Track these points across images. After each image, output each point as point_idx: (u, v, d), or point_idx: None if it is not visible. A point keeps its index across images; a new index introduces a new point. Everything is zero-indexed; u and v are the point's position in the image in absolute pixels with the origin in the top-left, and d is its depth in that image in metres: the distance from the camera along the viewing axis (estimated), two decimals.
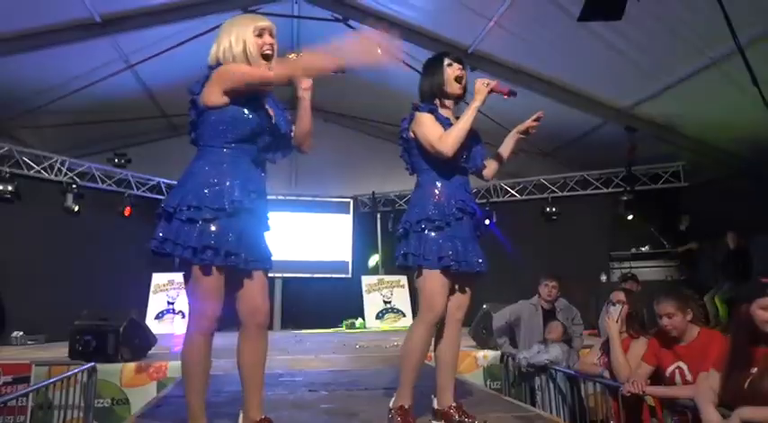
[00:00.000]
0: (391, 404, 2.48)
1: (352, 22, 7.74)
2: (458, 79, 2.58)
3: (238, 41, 2.19)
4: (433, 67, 2.64)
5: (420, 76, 2.71)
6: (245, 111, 2.13)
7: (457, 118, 2.57)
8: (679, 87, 6.90)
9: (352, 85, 8.61)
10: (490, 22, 6.71)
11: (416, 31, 7.50)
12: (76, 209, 8.42)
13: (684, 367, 2.92)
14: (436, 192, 2.50)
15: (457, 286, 2.52)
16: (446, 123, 2.51)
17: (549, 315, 4.85)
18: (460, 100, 2.66)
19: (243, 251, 2.09)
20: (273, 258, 2.28)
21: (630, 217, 8.77)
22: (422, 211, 2.48)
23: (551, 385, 4.22)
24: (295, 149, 2.40)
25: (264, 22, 2.26)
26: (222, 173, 2.11)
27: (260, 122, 2.18)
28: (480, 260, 2.51)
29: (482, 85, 2.49)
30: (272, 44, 2.24)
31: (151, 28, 7.27)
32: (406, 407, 2.43)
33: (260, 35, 2.22)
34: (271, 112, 2.27)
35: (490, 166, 2.74)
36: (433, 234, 2.43)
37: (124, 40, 7.40)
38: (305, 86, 2.30)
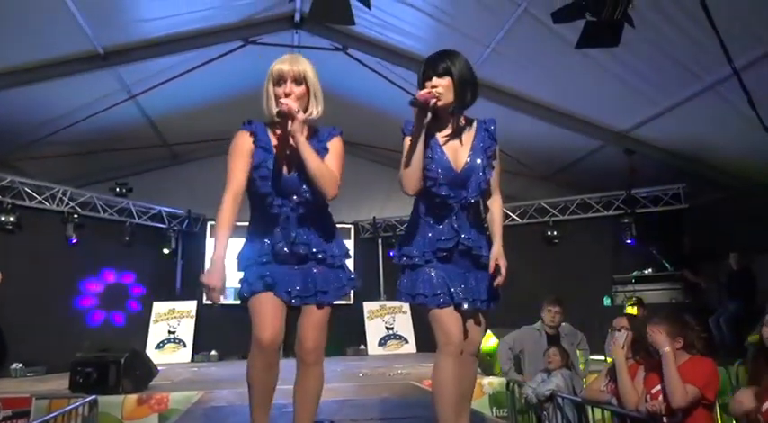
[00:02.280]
0: None
1: (351, 51, 7.85)
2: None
3: (264, 95, 2.18)
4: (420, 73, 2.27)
5: None
6: (256, 184, 2.18)
7: (459, 129, 2.27)
8: (677, 111, 6.97)
9: (351, 111, 8.69)
10: (488, 49, 6.81)
11: (415, 59, 7.60)
12: (76, 239, 8.42)
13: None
14: (420, 225, 2.30)
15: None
16: (433, 144, 2.23)
17: (552, 340, 4.80)
18: (456, 110, 2.24)
19: (292, 287, 2.19)
20: None
21: (632, 240, 8.76)
22: (404, 245, 2.32)
23: (559, 414, 4.15)
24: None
25: (283, 66, 2.13)
26: (259, 231, 2.25)
27: (270, 191, 2.18)
28: (476, 297, 2.28)
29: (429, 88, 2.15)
30: (291, 94, 2.11)
31: (153, 59, 7.37)
32: None
33: (278, 83, 2.14)
34: (286, 168, 2.20)
35: (491, 211, 2.38)
36: (412, 271, 2.27)
37: (126, 71, 7.51)
38: (290, 128, 2.10)
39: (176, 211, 10.17)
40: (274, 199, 2.17)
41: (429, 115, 2.12)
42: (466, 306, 2.25)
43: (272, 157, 2.17)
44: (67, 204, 8.49)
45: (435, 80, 2.17)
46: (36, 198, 8.14)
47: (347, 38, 7.68)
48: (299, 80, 2.15)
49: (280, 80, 2.14)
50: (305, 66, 2.17)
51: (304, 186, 2.17)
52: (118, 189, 9.59)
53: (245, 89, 9.06)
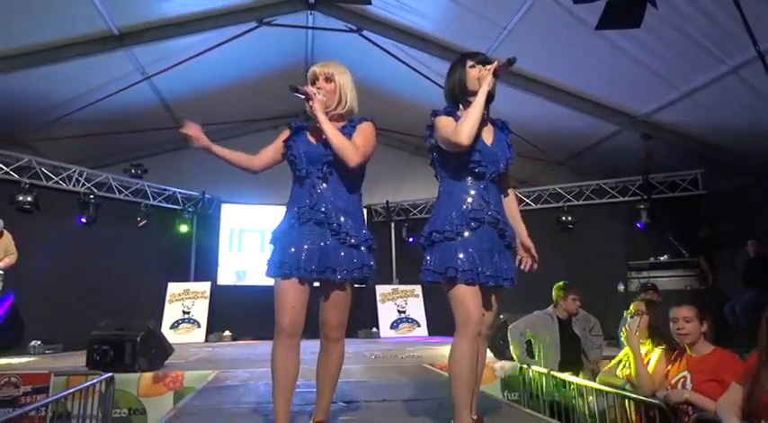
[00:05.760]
0: None
1: (366, 33, 7.78)
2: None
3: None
4: (454, 69, 2.51)
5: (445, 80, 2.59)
6: (289, 152, 2.50)
7: (486, 119, 2.45)
8: (697, 95, 6.84)
9: (365, 93, 8.60)
10: (504, 30, 6.71)
11: (431, 41, 7.53)
12: (93, 218, 8.53)
13: (688, 377, 2.88)
14: (450, 201, 2.39)
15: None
16: None
17: (565, 325, 4.81)
18: (489, 102, 2.44)
19: (308, 264, 2.30)
20: None
21: (648, 226, 8.66)
22: (434, 222, 2.39)
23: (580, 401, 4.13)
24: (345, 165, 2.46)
25: (314, 67, 2.53)
26: (291, 201, 2.48)
27: (299, 156, 2.45)
28: (500, 274, 2.34)
29: (484, 71, 2.37)
30: (321, 88, 2.45)
31: (168, 40, 7.36)
32: None
33: (313, 83, 2.50)
34: (314, 140, 2.48)
35: (508, 199, 2.59)
36: (442, 245, 2.32)
37: (141, 52, 7.51)
38: (310, 106, 2.44)
39: (191, 192, 10.23)
40: (304, 165, 2.44)
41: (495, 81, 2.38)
42: (491, 284, 2.31)
43: (303, 136, 2.51)
44: (83, 185, 8.58)
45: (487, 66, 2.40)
46: (53, 178, 8.23)
47: (362, 19, 7.60)
48: (329, 79, 2.50)
49: (314, 80, 2.49)
50: (333, 68, 2.52)
51: (328, 155, 2.41)
52: (133, 170, 9.67)
53: (259, 71, 9.06)
